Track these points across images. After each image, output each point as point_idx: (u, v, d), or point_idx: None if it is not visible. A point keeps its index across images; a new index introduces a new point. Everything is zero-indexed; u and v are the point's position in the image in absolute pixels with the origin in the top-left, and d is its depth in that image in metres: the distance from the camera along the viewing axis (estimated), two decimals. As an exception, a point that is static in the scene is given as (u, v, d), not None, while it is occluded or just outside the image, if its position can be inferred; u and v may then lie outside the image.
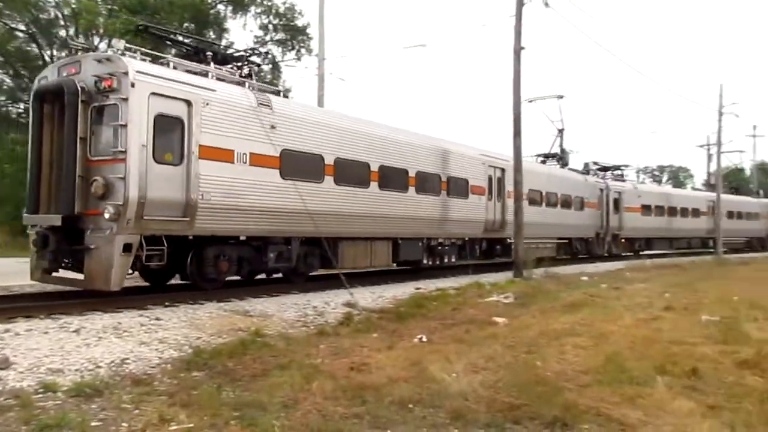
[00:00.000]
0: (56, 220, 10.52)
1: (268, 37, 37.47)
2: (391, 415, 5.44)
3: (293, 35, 37.11)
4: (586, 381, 6.45)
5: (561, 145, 30.50)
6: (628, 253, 31.35)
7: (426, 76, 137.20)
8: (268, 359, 7.44)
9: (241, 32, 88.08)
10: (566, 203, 26.43)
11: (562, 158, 29.96)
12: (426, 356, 7.39)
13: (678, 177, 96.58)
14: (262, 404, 5.64)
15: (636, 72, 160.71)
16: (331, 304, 12.24)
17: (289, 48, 37.33)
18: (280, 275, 14.89)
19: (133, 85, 10.44)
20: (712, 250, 37.46)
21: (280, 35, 37.58)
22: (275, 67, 38.35)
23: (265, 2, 36.80)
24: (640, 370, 6.74)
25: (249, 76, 13.98)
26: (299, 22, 37.07)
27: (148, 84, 10.72)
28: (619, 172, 34.53)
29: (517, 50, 19.60)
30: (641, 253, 32.49)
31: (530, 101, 28.44)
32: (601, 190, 29.67)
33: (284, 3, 36.82)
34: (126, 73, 10.47)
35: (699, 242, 39.40)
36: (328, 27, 32.41)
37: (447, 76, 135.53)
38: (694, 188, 75.71)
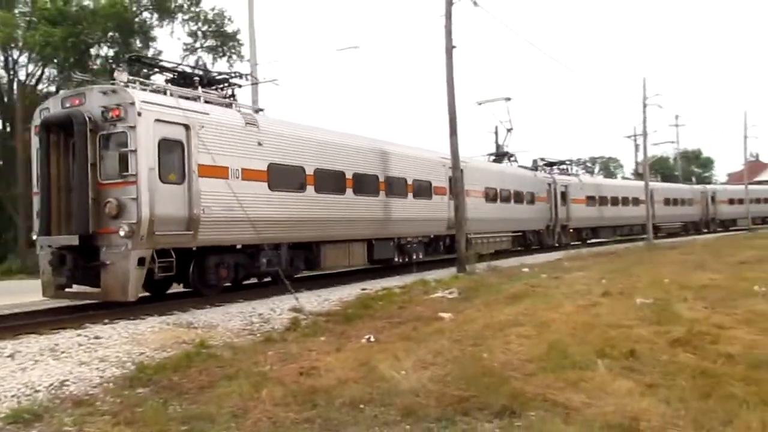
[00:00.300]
0: (73, 239, 11.47)
1: (197, 44, 36.72)
2: (342, 417, 5.45)
3: (224, 41, 36.45)
4: (531, 369, 6.63)
5: (497, 142, 31.55)
6: (576, 242, 33.07)
7: (363, 77, 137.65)
8: (215, 370, 7.32)
9: (169, 40, 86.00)
10: (519, 198, 28.07)
11: (506, 155, 31.15)
12: (375, 356, 7.43)
13: (608, 167, 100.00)
14: (211, 416, 5.55)
15: (566, 68, 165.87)
16: (276, 310, 12.13)
17: (220, 54, 36.70)
18: (269, 279, 15.65)
19: (139, 114, 11.49)
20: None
21: (210, 42, 36.88)
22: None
23: (192, 9, 36.03)
24: (581, 354, 6.96)
25: (232, 96, 15.25)
26: (229, 28, 36.47)
27: (152, 112, 11.79)
28: (564, 166, 36.59)
29: (449, 49, 19.92)
30: (588, 241, 34.14)
31: (480, 104, 30.66)
32: (549, 184, 31.42)
33: (213, 9, 36.15)
34: (132, 104, 11.50)
35: (640, 229, 41.10)
36: (258, 32, 31.99)
37: (384, 77, 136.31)
38: (624, 177, 78.69)
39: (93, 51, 33.18)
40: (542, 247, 29.85)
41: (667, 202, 45.40)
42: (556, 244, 31.08)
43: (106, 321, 10.79)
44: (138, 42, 34.47)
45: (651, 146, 49.15)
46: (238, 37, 35.94)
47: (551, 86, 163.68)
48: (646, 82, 39.05)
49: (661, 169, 67.12)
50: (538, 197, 29.92)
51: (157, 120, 11.77)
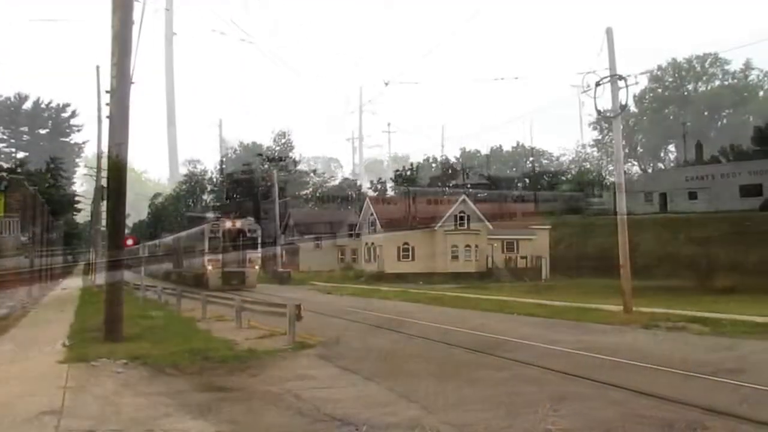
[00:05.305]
0: None
1: None
2: None
3: None
4: None
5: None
6: None
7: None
8: None
9: None
10: None
11: None
12: None
13: (330, 167, 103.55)
14: None
15: (292, 70, 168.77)
16: None
17: None
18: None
19: None
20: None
21: None
22: None
23: None
24: None
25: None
26: None
27: None
28: None
29: (169, 37, 16.99)
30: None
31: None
32: None
33: None
34: None
35: None
36: None
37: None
38: (344, 177, 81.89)
39: None
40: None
41: None
42: None
43: None
44: None
45: (366, 149, 54.65)
46: None
47: (278, 85, 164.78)
48: (362, 90, 40.81)
49: (375, 171, 71.06)
50: None
51: None
